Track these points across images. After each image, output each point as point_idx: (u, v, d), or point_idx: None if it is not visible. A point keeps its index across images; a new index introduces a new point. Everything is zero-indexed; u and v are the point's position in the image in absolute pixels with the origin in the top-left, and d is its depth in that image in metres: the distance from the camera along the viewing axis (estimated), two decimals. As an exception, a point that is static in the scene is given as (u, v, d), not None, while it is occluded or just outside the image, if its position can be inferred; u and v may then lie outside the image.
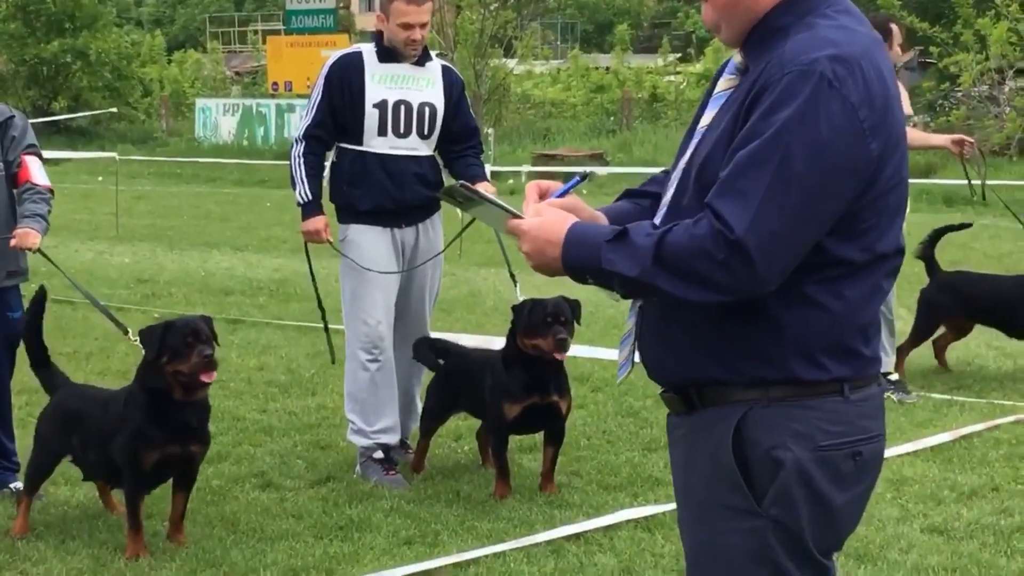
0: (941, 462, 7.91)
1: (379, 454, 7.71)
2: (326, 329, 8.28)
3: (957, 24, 29.75)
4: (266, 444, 8.44)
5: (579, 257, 3.09)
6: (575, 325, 7.27)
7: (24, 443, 7.84)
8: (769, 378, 3.15)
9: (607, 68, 42.11)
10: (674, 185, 3.29)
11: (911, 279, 10.38)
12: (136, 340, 6.59)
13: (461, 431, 8.55)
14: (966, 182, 10.77)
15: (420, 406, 8.19)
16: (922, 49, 40.23)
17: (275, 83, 36.26)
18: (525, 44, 42.77)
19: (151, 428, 6.39)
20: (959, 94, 32.75)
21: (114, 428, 6.49)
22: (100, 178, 29.36)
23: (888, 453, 7.94)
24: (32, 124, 7.58)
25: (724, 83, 3.30)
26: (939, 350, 10.52)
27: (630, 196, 3.56)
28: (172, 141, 37.44)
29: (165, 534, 6.67)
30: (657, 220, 3.27)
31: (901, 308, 12.91)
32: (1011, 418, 8.89)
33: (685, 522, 3.40)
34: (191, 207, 24.43)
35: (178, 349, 6.35)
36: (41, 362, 7.04)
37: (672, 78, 41.53)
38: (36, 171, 7.32)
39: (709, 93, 3.35)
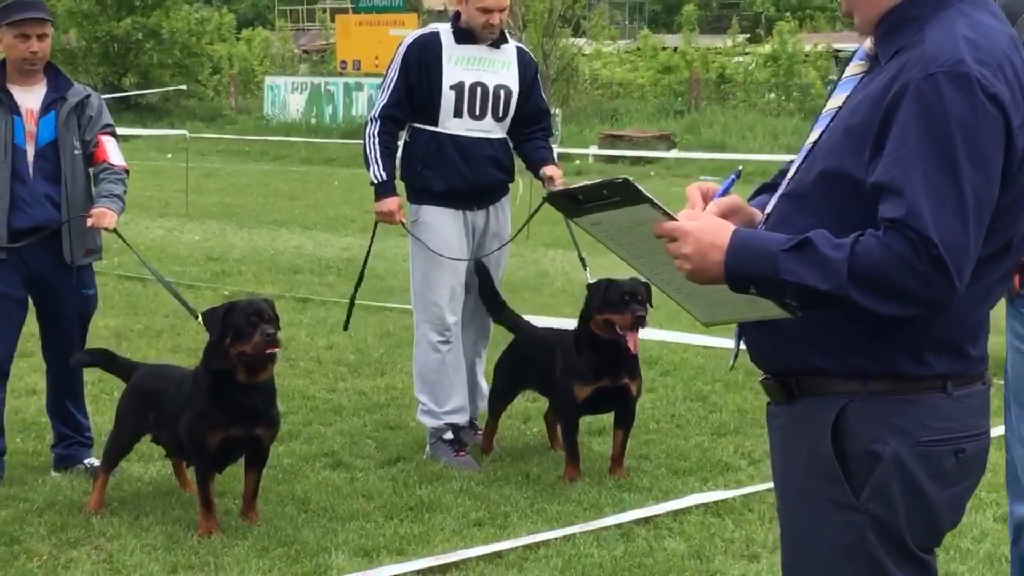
0: (1014, 451, 7.84)
1: (449, 435, 7.73)
2: (352, 300, 8.34)
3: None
4: (336, 424, 8.48)
5: (748, 264, 3.01)
6: (649, 306, 7.27)
7: (95, 420, 7.96)
8: (871, 371, 3.13)
9: (675, 49, 41.94)
10: (796, 165, 3.29)
11: None
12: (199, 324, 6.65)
13: (530, 413, 8.56)
14: None
15: (485, 387, 8.21)
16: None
17: (343, 62, 36.34)
18: (594, 24, 42.70)
19: (214, 410, 6.44)
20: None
21: (183, 407, 6.54)
22: (169, 155, 29.62)
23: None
24: (104, 100, 7.62)
25: (853, 68, 3.29)
26: None
27: (766, 190, 3.49)
28: (240, 119, 37.59)
29: (238, 512, 6.71)
30: (772, 203, 3.30)
31: None
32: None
33: (782, 512, 3.38)
34: (259, 185, 24.54)
35: (241, 329, 6.39)
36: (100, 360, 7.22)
37: (740, 59, 41.31)
38: (112, 151, 7.38)
39: (839, 77, 3.34)
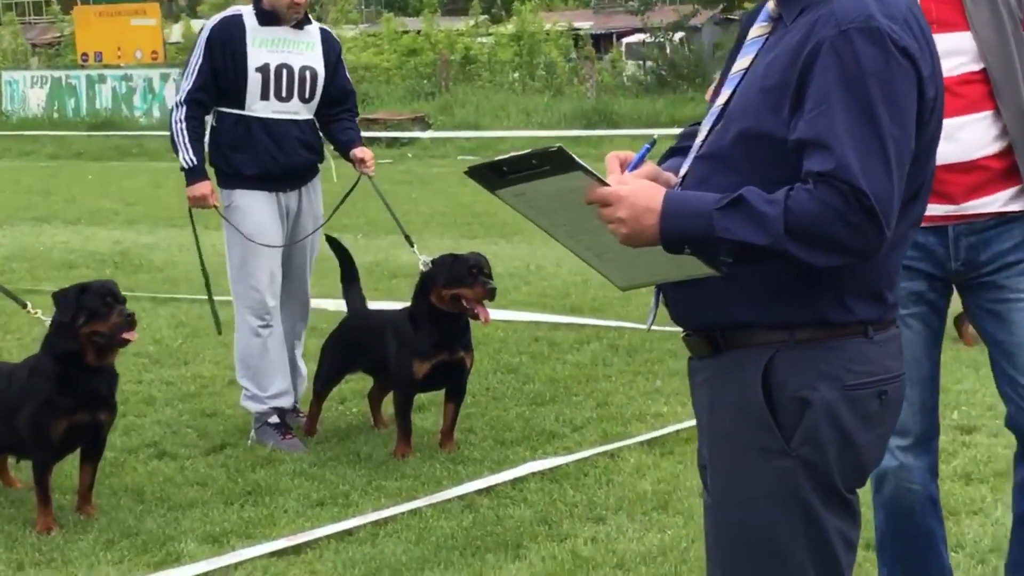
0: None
1: (275, 419, 7.69)
2: (211, 299, 8.11)
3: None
4: (150, 414, 8.37)
5: (682, 227, 3.03)
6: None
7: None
8: (797, 321, 3.20)
9: (418, 31, 42.07)
10: (706, 128, 3.33)
11: None
12: (37, 313, 6.49)
13: (346, 394, 8.56)
14: None
15: (304, 369, 8.20)
16: (724, 6, 40.91)
17: (84, 54, 35.60)
18: (338, 9, 42.56)
19: (60, 397, 6.31)
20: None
21: (19, 401, 6.39)
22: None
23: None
24: None
25: (757, 30, 3.35)
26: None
27: (675, 154, 3.51)
28: (-22, 116, 36.53)
29: (72, 507, 6.59)
30: (686, 165, 3.31)
31: None
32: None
33: (711, 463, 3.41)
34: (9, 182, 23.87)
35: (96, 309, 6.29)
36: None
37: (483, 40, 41.63)
38: None
39: (740, 40, 3.41)
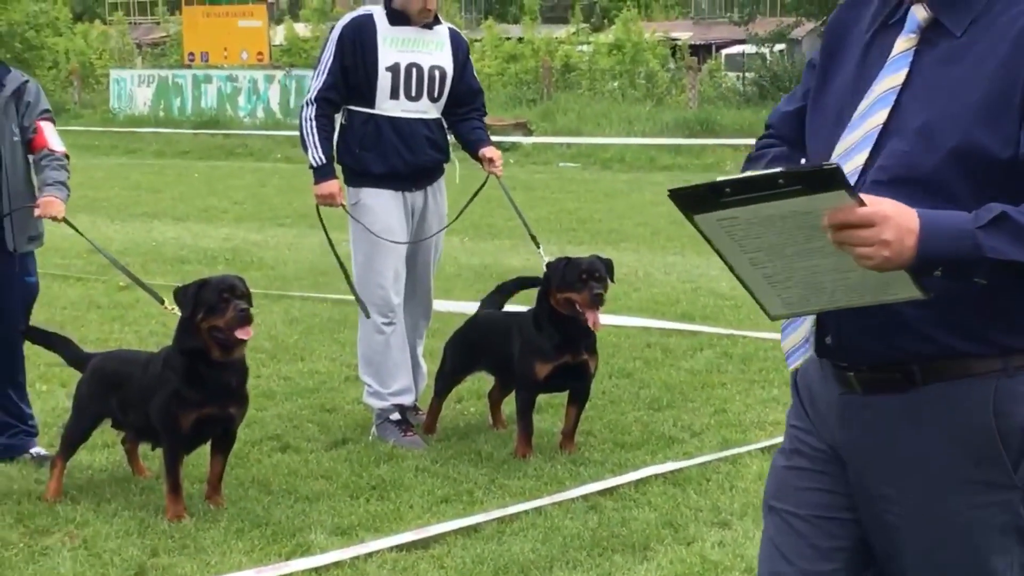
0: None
1: (396, 415, 7.75)
2: (355, 293, 8.08)
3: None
4: (271, 408, 8.46)
5: (945, 248, 2.82)
6: (609, 283, 7.37)
7: (38, 406, 7.87)
8: (1014, 345, 3.02)
9: (519, 39, 42.18)
10: (866, 149, 3.09)
11: None
12: (173, 308, 6.59)
13: (462, 394, 8.60)
14: None
15: (425, 367, 8.26)
16: (826, 18, 40.70)
17: (191, 54, 35.97)
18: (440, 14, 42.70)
19: (188, 390, 6.41)
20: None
21: (152, 389, 6.50)
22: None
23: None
24: None
25: (904, 43, 3.11)
26: None
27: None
28: (86, 113, 37.01)
29: (200, 497, 6.68)
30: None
31: None
32: None
33: (904, 502, 3.17)
34: (118, 178, 24.19)
35: (214, 305, 6.38)
36: (57, 344, 7.13)
37: (583, 48, 41.67)
38: (52, 137, 7.31)
39: (830, 49, 3.30)
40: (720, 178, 2.82)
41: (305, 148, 7.75)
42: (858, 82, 3.15)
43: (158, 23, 58.84)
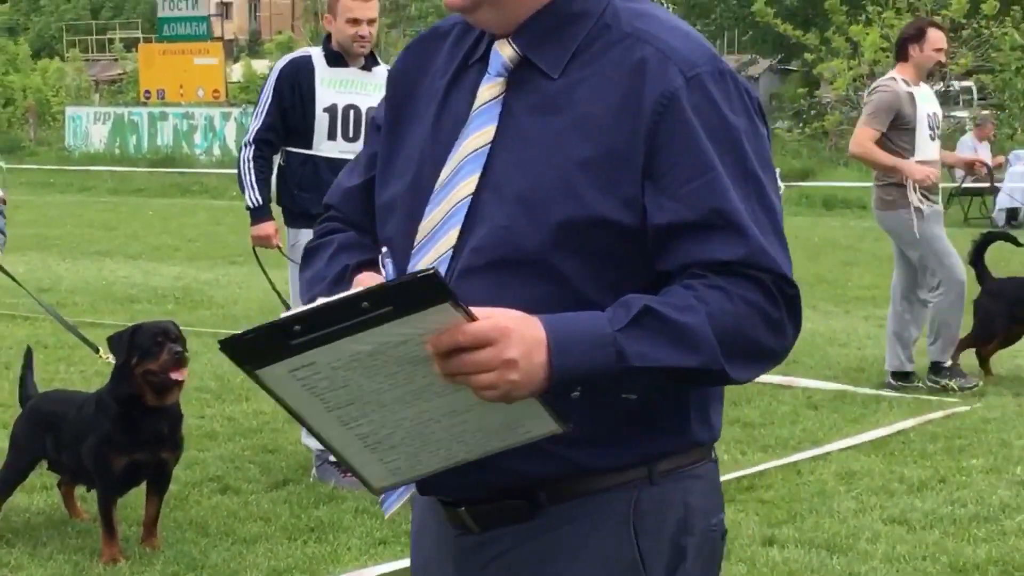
0: (884, 456, 8.13)
1: (334, 457, 7.71)
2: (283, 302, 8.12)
3: (829, 30, 30.37)
4: (213, 449, 8.42)
5: (582, 360, 2.25)
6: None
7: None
8: (657, 451, 2.50)
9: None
10: (449, 227, 2.48)
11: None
12: (108, 357, 6.55)
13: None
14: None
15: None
16: (782, 56, 41.01)
17: (147, 91, 35.97)
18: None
19: (120, 435, 6.37)
20: (826, 100, 33.51)
21: (85, 432, 6.47)
22: (-29, 188, 28.94)
23: (830, 448, 8.19)
24: None
25: (489, 90, 2.52)
26: (983, 358, 10.58)
27: (341, 275, 2.63)
28: (41, 150, 36.96)
29: (137, 539, 6.64)
30: (424, 262, 2.49)
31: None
32: (940, 413, 9.16)
33: None
34: (72, 216, 24.13)
35: (148, 349, 6.35)
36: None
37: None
38: None
39: (399, 101, 2.66)
40: (284, 314, 2.16)
41: (243, 189, 7.77)
42: (437, 142, 2.53)
43: (116, 60, 58.76)
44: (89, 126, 35.97)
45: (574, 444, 2.41)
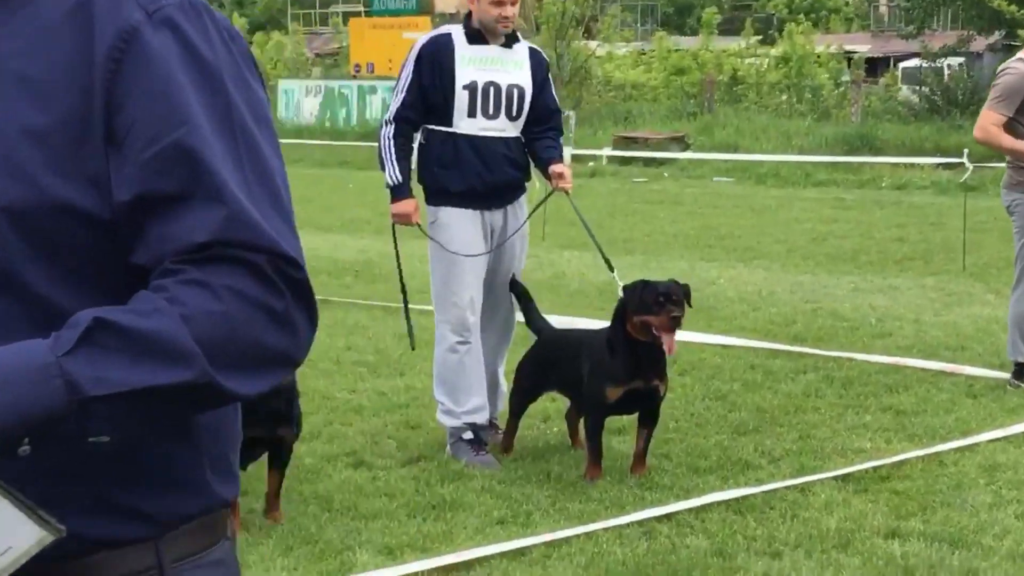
0: (1034, 448, 7.88)
1: (469, 434, 7.75)
2: (407, 314, 8.23)
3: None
4: (357, 423, 8.51)
5: (23, 402, 1.71)
6: (687, 307, 7.28)
7: None
8: (163, 518, 1.98)
9: (688, 51, 42.01)
10: None
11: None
12: None
13: (549, 412, 8.58)
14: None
15: (505, 386, 8.24)
16: (1006, 32, 39.89)
17: (357, 65, 36.46)
18: (607, 25, 42.73)
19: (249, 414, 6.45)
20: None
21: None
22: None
23: (979, 438, 7.96)
24: None
25: None
26: None
27: None
28: (255, 123, 37.66)
29: (261, 511, 6.74)
30: None
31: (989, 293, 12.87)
32: (1104, 405, 8.84)
33: None
34: (283, 188, 24.53)
35: None
36: None
37: (752, 60, 41.35)
38: None
39: None
40: None
41: (382, 167, 7.81)
42: None
43: (336, 33, 59.65)
44: (301, 99, 36.63)
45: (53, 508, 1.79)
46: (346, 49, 47.38)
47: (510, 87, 7.75)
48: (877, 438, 8.14)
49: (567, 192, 7.90)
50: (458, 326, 7.74)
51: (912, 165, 24.95)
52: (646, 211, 21.57)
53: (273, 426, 6.50)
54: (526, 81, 7.82)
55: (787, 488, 7.12)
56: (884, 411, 8.78)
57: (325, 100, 36.08)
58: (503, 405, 8.22)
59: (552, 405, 8.55)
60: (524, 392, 7.94)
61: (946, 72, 36.61)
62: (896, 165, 25.21)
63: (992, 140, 9.43)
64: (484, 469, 7.51)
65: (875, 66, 48.36)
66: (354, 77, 36.52)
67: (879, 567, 5.99)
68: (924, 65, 37.89)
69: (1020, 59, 9.37)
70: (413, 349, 8.43)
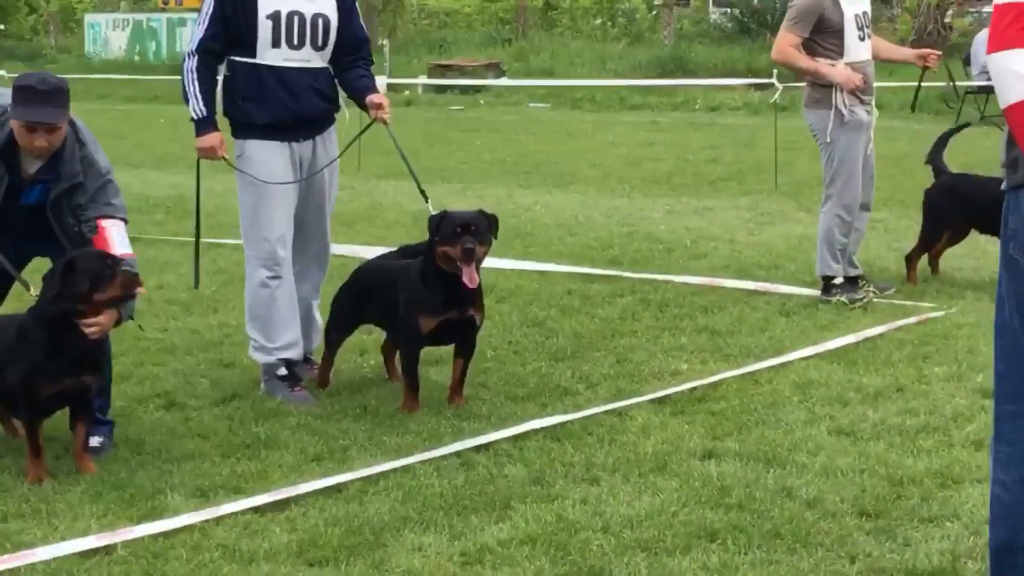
0: (845, 364, 7.97)
1: (283, 371, 7.62)
2: (197, 251, 8.03)
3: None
4: (169, 363, 8.33)
5: None
6: (491, 239, 7.20)
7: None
8: None
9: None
10: None
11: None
12: (36, 294, 6.40)
13: (367, 345, 8.48)
14: None
15: (320, 321, 8.11)
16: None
17: (165, -3, 35.70)
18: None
19: (46, 361, 6.25)
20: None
21: (7, 357, 6.34)
22: (-12, 97, 28.83)
23: (792, 356, 8.04)
24: None
25: None
26: (933, 256, 10.46)
27: None
28: (62, 58, 36.84)
29: (70, 457, 6.53)
30: None
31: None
32: (914, 319, 8.98)
33: None
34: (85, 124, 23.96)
35: (100, 275, 6.23)
36: None
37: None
38: (115, 240, 6.74)
39: None
40: None
41: (186, 100, 7.60)
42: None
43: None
44: (109, 33, 35.83)
45: None
46: (154, -18, 46.51)
47: (315, 16, 7.57)
48: (693, 359, 8.17)
49: (385, 122, 7.75)
50: (268, 260, 7.59)
51: (724, 87, 25.13)
52: (463, 139, 21.48)
53: (79, 373, 6.30)
54: (331, 10, 7.64)
55: (605, 413, 7.11)
56: (699, 332, 8.82)
57: (133, 34, 35.31)
58: (318, 340, 8.09)
59: (369, 338, 8.44)
60: (340, 324, 7.83)
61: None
62: (709, 87, 25.39)
63: (790, 61, 9.60)
64: (300, 405, 7.38)
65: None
66: (163, 9, 35.78)
67: (695, 488, 5.99)
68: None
69: None
70: (196, 287, 8.11)
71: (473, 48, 32.91)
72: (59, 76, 6.90)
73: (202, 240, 8.34)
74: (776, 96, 16.28)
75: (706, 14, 39.82)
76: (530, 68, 29.34)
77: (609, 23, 36.63)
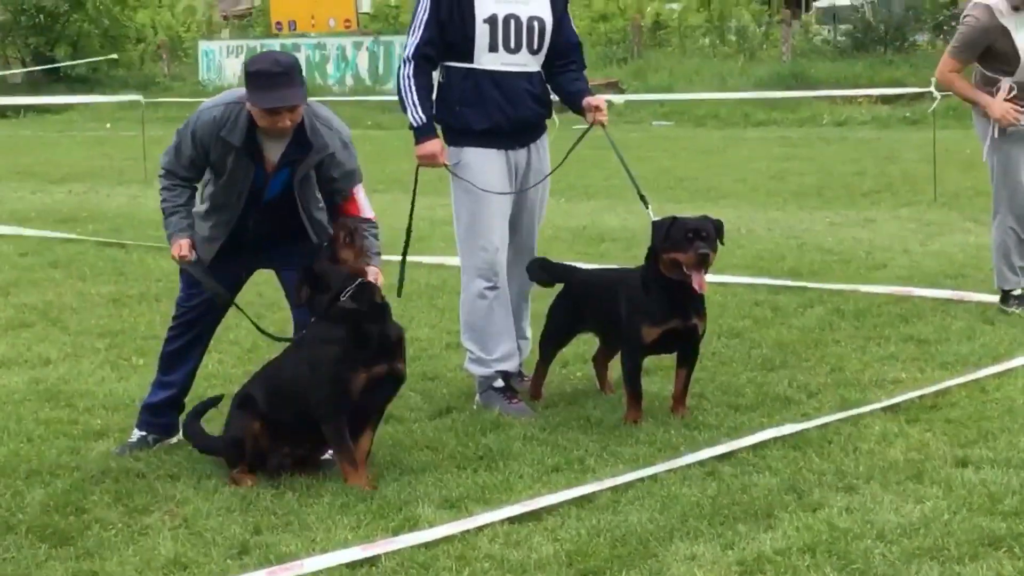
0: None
1: (499, 383, 7.49)
2: (403, 260, 7.69)
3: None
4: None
5: None
6: (718, 244, 7.06)
7: (135, 381, 7.70)
8: None
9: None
10: None
11: None
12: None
13: (567, 358, 8.33)
14: None
15: (529, 332, 7.98)
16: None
17: (279, 23, 35.89)
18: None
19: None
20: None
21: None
22: (108, 124, 29.11)
23: (1016, 362, 7.88)
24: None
25: None
26: None
27: None
28: (175, 85, 37.05)
29: (301, 472, 6.44)
30: None
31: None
32: None
33: None
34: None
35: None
36: None
37: (673, 5, 41.17)
38: (365, 204, 6.80)
39: None
40: None
41: (404, 108, 7.46)
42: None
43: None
44: (222, 60, 36.03)
45: None
46: (257, 9, 46.80)
47: (531, 19, 7.45)
48: (910, 368, 7.99)
49: (603, 125, 7.62)
50: (486, 271, 7.47)
51: (850, 101, 24.89)
52: (595, 157, 21.19)
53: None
54: (546, 13, 7.52)
55: (839, 422, 6.93)
56: (905, 341, 8.63)
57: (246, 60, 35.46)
58: (527, 353, 7.96)
59: (570, 350, 8.29)
60: (556, 335, 7.70)
61: (867, 9, 36.56)
62: (833, 102, 25.15)
63: (948, 87, 9.60)
64: (520, 417, 7.25)
65: (790, 6, 48.25)
66: (275, 36, 35.94)
67: (962, 495, 5.80)
68: (837, 3, 37.92)
69: (986, 5, 9.12)
70: (399, 296, 7.96)
71: (589, 68, 32.75)
72: (286, 53, 6.79)
73: (385, 257, 8.12)
74: (934, 106, 16.03)
75: (813, 30, 39.52)
76: (649, 86, 29.19)
77: (719, 41, 36.44)
